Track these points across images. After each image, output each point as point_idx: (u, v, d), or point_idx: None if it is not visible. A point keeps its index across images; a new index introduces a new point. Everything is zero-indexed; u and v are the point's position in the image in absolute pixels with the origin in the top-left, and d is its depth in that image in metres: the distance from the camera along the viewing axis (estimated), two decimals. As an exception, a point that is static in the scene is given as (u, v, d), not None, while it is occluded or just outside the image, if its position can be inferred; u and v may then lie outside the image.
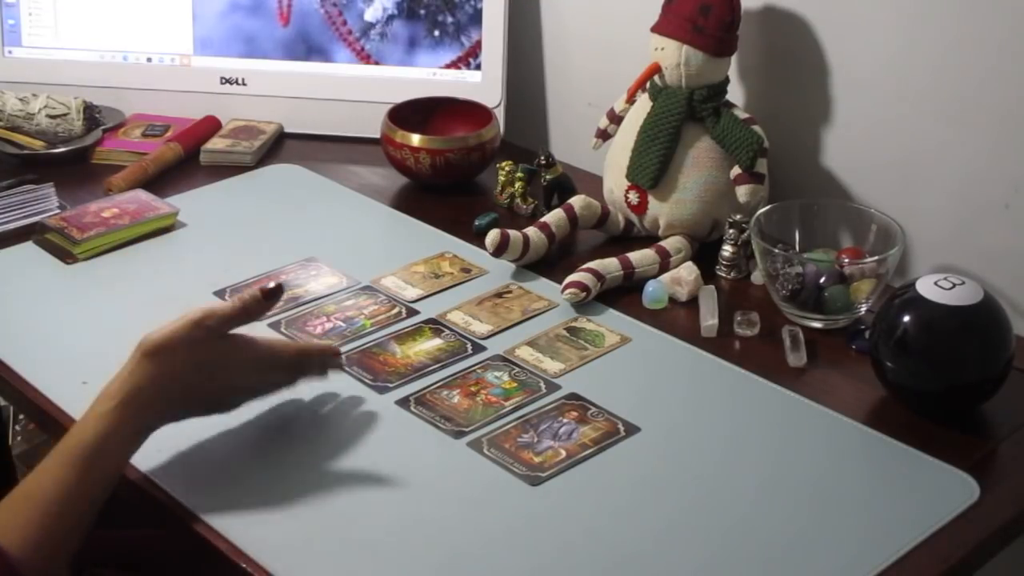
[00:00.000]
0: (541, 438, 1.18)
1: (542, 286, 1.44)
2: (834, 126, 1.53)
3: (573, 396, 1.24)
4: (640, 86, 1.50)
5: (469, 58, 1.80)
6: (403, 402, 1.23)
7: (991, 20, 1.35)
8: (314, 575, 1.03)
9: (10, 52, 1.87)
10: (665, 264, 1.45)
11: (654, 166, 1.46)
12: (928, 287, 1.19)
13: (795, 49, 1.53)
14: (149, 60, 1.86)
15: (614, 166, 1.53)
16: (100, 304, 1.41)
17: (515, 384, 1.26)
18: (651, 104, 1.49)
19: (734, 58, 1.50)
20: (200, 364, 1.11)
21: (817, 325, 1.36)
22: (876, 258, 1.35)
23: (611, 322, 1.37)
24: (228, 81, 1.84)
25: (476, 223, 1.57)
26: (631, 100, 1.55)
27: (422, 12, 1.80)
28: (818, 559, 1.04)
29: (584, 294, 1.38)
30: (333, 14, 1.82)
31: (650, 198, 1.49)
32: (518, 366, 1.29)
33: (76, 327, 1.36)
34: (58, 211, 1.57)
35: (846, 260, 1.37)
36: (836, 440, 1.19)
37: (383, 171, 1.72)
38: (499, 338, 1.34)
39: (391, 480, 1.13)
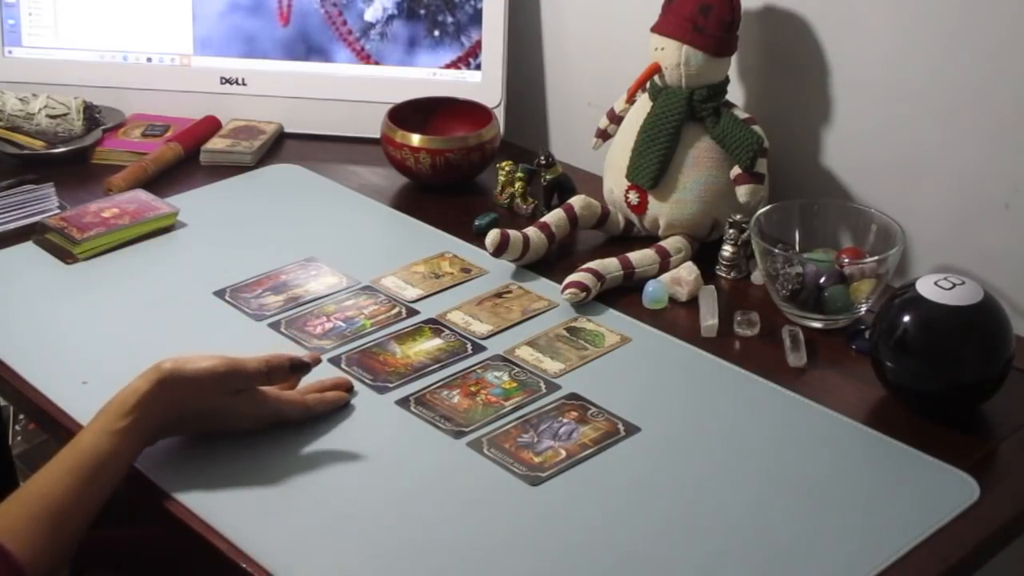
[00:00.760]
0: (541, 438, 1.18)
1: (542, 286, 1.44)
2: (834, 126, 1.53)
3: (573, 396, 1.24)
4: (640, 86, 1.50)
5: (469, 58, 1.80)
6: (403, 402, 1.23)
7: (991, 20, 1.35)
8: (314, 575, 1.03)
9: (10, 52, 1.87)
10: (665, 264, 1.45)
11: (654, 166, 1.46)
12: (928, 287, 1.19)
13: (795, 49, 1.53)
14: (149, 60, 1.86)
15: (614, 166, 1.53)
16: (100, 304, 1.41)
17: (515, 384, 1.26)
18: (651, 104, 1.49)
19: (734, 58, 1.50)
20: (209, 409, 1.14)
21: (817, 325, 1.36)
22: (876, 258, 1.35)
23: (611, 322, 1.37)
24: (228, 81, 1.84)
25: (476, 223, 1.57)
26: (631, 100, 1.55)
27: (422, 12, 1.80)
28: (818, 559, 1.04)
29: (584, 294, 1.38)
30: (333, 14, 1.82)
31: (650, 198, 1.49)
32: (518, 366, 1.29)
33: (76, 327, 1.36)
34: (58, 211, 1.57)
35: (846, 260, 1.37)
36: (836, 440, 1.19)
37: (383, 171, 1.72)
38: (499, 338, 1.34)
39: (391, 480, 1.13)
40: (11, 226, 1.55)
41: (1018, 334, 1.23)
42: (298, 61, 1.83)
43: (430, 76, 1.81)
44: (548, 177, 1.60)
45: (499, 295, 1.42)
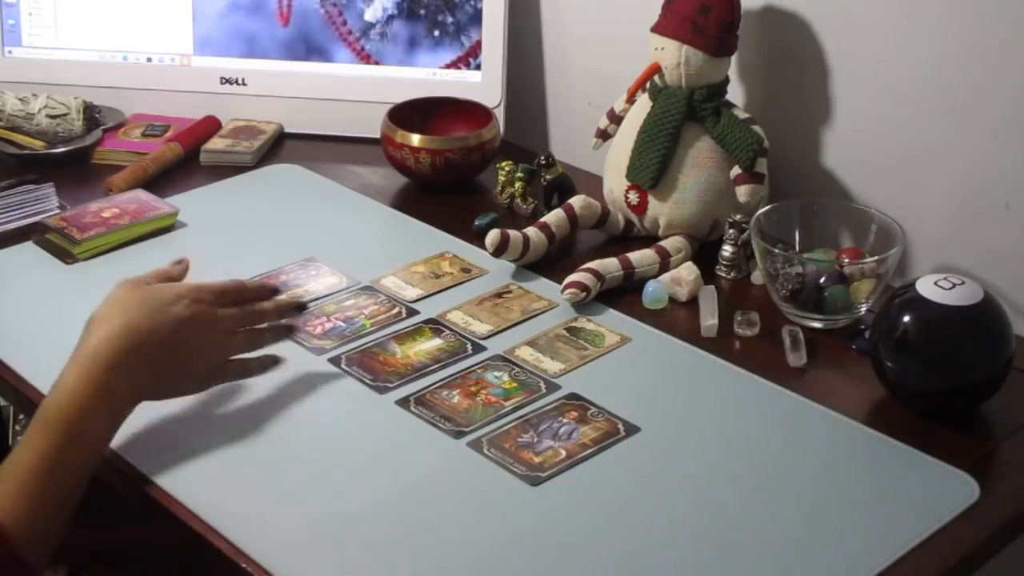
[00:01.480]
0: (541, 438, 1.18)
1: (542, 286, 1.44)
2: (834, 126, 1.53)
3: (573, 396, 1.24)
4: (640, 86, 1.50)
5: (469, 58, 1.80)
6: (403, 402, 1.23)
7: (991, 20, 1.35)
8: (314, 575, 1.03)
9: (10, 52, 1.87)
10: (665, 264, 1.45)
11: (654, 166, 1.46)
12: (928, 287, 1.19)
13: (795, 49, 1.53)
14: (149, 60, 1.86)
15: (614, 166, 1.53)
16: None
17: (515, 384, 1.26)
18: (651, 104, 1.49)
19: (734, 58, 1.50)
20: (148, 306, 1.14)
21: (817, 325, 1.36)
22: (876, 258, 1.35)
23: (611, 322, 1.37)
24: (228, 81, 1.84)
25: (476, 223, 1.57)
26: (631, 100, 1.55)
27: (422, 12, 1.80)
28: (818, 559, 1.04)
29: (584, 294, 1.38)
30: (333, 14, 1.82)
31: (650, 198, 1.49)
32: (518, 366, 1.29)
33: (76, 327, 1.35)
34: (58, 211, 1.57)
35: (846, 260, 1.37)
36: (836, 440, 1.19)
37: (383, 171, 1.72)
38: (499, 338, 1.34)
39: (391, 480, 1.13)
40: (11, 226, 1.55)
41: (1018, 334, 1.23)
42: (298, 61, 1.83)
43: (430, 76, 1.81)
44: (548, 177, 1.60)
45: (499, 295, 1.42)
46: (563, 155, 1.71)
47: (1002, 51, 1.35)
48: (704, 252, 1.49)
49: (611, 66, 1.70)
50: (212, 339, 1.18)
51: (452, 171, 1.65)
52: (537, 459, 1.15)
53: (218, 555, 1.05)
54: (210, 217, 1.60)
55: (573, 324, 1.36)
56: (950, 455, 1.16)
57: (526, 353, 1.31)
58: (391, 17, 1.81)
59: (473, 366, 1.29)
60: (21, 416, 2.17)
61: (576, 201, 1.52)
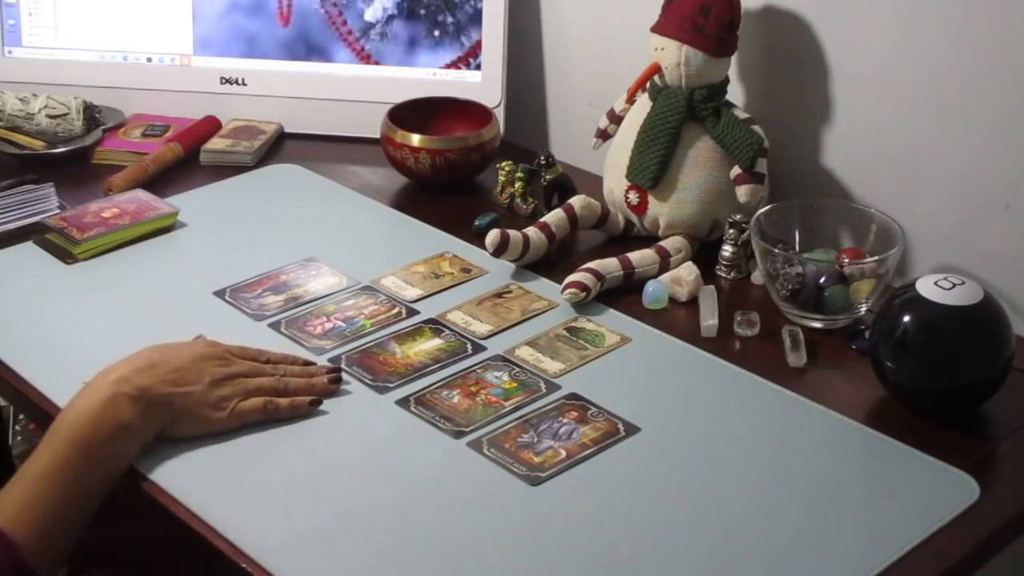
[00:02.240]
0: (541, 438, 1.18)
1: (542, 286, 1.44)
2: (834, 126, 1.53)
3: (573, 396, 1.24)
4: (640, 86, 1.50)
5: (469, 58, 1.80)
6: (403, 402, 1.23)
7: (991, 20, 1.35)
8: (314, 575, 1.03)
9: (10, 52, 1.87)
10: (665, 264, 1.45)
11: (654, 166, 1.46)
12: (928, 287, 1.19)
13: (795, 49, 1.53)
14: (149, 60, 1.86)
15: (614, 166, 1.53)
16: (100, 304, 1.41)
17: (515, 384, 1.26)
18: (651, 104, 1.49)
19: (734, 58, 1.50)
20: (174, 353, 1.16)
21: (817, 325, 1.36)
22: (876, 258, 1.35)
23: (611, 322, 1.37)
24: (228, 81, 1.84)
25: (476, 223, 1.57)
26: (631, 100, 1.55)
27: (422, 12, 1.80)
28: (818, 559, 1.04)
29: (584, 294, 1.38)
30: (333, 14, 1.82)
31: (650, 198, 1.49)
32: (518, 366, 1.29)
33: (76, 327, 1.36)
34: (58, 211, 1.57)
35: (846, 260, 1.37)
36: (836, 440, 1.19)
37: (383, 171, 1.72)
38: (499, 338, 1.34)
39: (391, 480, 1.13)
40: (11, 226, 1.55)
41: (1018, 334, 1.23)
42: (298, 61, 1.83)
43: (430, 76, 1.81)
44: (548, 177, 1.60)
45: (499, 295, 1.42)
46: (563, 155, 1.71)
47: (1002, 51, 1.35)
48: (704, 252, 1.49)
49: (611, 66, 1.70)
50: (224, 371, 1.18)
51: (452, 171, 1.65)
52: (537, 459, 1.15)
53: (218, 555, 1.05)
54: (210, 217, 1.60)
55: (573, 324, 1.36)
56: (950, 455, 1.16)
57: (526, 353, 1.31)
58: (391, 17, 1.81)
59: (473, 366, 1.29)
60: (21, 416, 2.17)
61: (576, 201, 1.52)
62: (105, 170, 1.70)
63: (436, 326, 1.36)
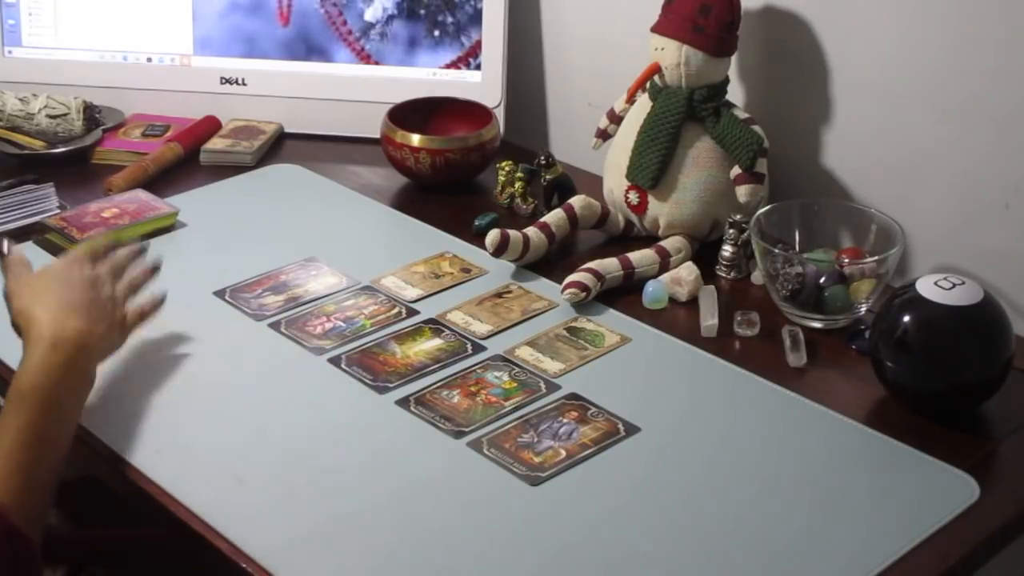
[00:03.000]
0: (541, 438, 1.18)
1: (542, 286, 1.44)
2: (834, 126, 1.53)
3: (573, 396, 1.24)
4: (640, 86, 1.50)
5: (469, 58, 1.80)
6: (403, 402, 1.23)
7: (991, 20, 1.35)
8: (314, 575, 1.03)
9: (10, 52, 1.87)
10: (665, 264, 1.45)
11: (654, 166, 1.46)
12: (928, 287, 1.19)
13: (795, 49, 1.53)
14: (149, 60, 1.86)
15: (614, 166, 1.53)
16: (100, 304, 1.40)
17: (515, 384, 1.26)
18: (651, 104, 1.49)
19: (734, 58, 1.50)
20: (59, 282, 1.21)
21: (817, 325, 1.36)
22: (876, 258, 1.35)
23: (611, 322, 1.37)
24: (228, 81, 1.84)
25: (476, 223, 1.57)
26: (631, 100, 1.55)
27: (422, 12, 1.80)
28: (818, 559, 1.04)
29: (584, 294, 1.38)
30: (333, 14, 1.82)
31: (650, 198, 1.49)
32: (518, 366, 1.29)
33: (76, 327, 1.36)
34: (58, 211, 1.57)
35: (846, 260, 1.37)
36: (836, 440, 1.19)
37: (383, 171, 1.72)
38: (499, 338, 1.34)
39: (391, 480, 1.13)
40: (11, 226, 1.55)
41: (1018, 334, 1.23)
42: (298, 61, 1.83)
43: (430, 76, 1.81)
44: (548, 177, 1.60)
45: (499, 295, 1.42)
46: (563, 155, 1.71)
47: (1002, 51, 1.35)
48: (704, 252, 1.49)
49: (611, 66, 1.70)
50: (112, 288, 1.26)
51: (452, 171, 1.65)
52: (537, 459, 1.15)
53: (218, 555, 1.05)
54: (210, 217, 1.60)
55: (573, 324, 1.36)
56: (950, 455, 1.16)
57: (526, 353, 1.31)
58: (391, 17, 1.81)
59: (473, 366, 1.29)
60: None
61: (576, 201, 1.52)
62: (105, 170, 1.70)
63: (436, 326, 1.36)
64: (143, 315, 1.29)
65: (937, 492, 1.12)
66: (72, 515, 1.36)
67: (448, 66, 1.81)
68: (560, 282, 1.40)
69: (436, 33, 1.80)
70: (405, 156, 1.64)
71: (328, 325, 1.36)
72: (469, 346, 1.32)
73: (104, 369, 1.23)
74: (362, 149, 1.79)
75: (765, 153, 1.45)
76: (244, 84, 1.84)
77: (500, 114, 1.75)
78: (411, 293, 1.42)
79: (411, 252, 1.51)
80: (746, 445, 1.18)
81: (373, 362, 1.29)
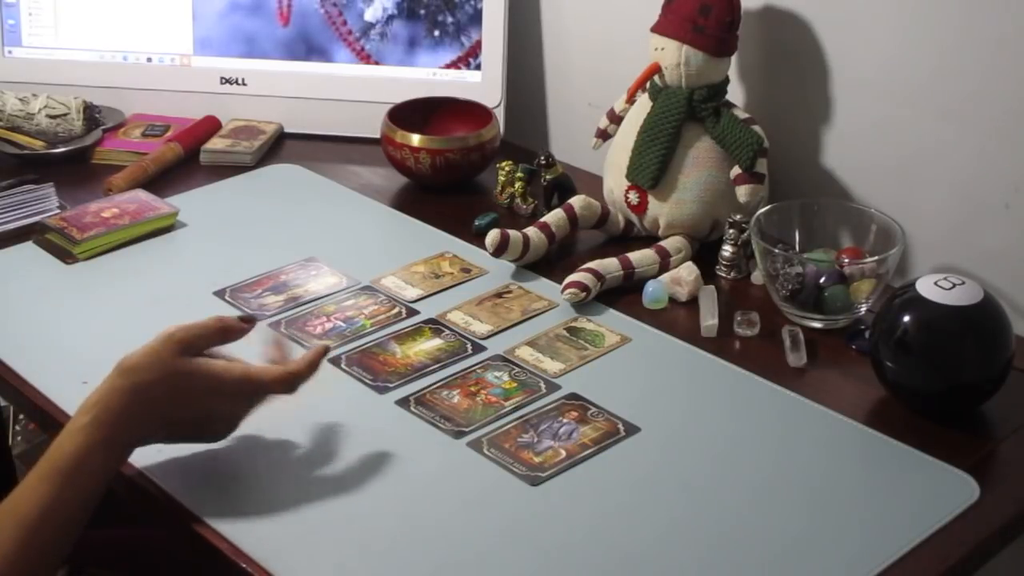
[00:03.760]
0: (541, 438, 1.18)
1: (542, 286, 1.44)
2: (834, 126, 1.53)
3: (573, 396, 1.24)
4: (640, 86, 1.50)
5: (469, 58, 1.80)
6: (403, 402, 1.23)
7: (991, 20, 1.35)
8: (314, 575, 1.03)
9: (10, 52, 1.87)
10: (665, 264, 1.45)
11: (654, 166, 1.46)
12: (928, 287, 1.19)
13: (795, 49, 1.53)
14: (149, 60, 1.86)
15: (614, 166, 1.53)
16: (100, 304, 1.41)
17: (515, 384, 1.26)
18: (651, 104, 1.49)
19: (734, 58, 1.50)
20: (172, 381, 1.08)
21: (817, 325, 1.36)
22: (876, 258, 1.35)
23: (611, 322, 1.37)
24: (228, 81, 1.84)
25: (476, 223, 1.57)
26: (631, 100, 1.55)
27: (422, 12, 1.80)
28: (818, 559, 1.04)
29: (584, 294, 1.38)
30: (333, 14, 1.82)
31: (650, 198, 1.49)
32: (518, 366, 1.29)
33: (76, 327, 1.36)
34: (58, 211, 1.57)
35: (846, 260, 1.37)
36: (836, 440, 1.19)
37: (383, 171, 1.72)
38: (499, 338, 1.34)
39: (391, 480, 1.13)
40: (11, 226, 1.55)
41: (1018, 334, 1.23)
42: (298, 61, 1.84)
43: (430, 76, 1.81)
44: (548, 177, 1.60)
45: (499, 295, 1.42)
46: (563, 155, 1.71)
47: (1002, 51, 1.35)
48: (704, 252, 1.49)
49: (611, 66, 1.70)
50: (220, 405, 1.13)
51: (452, 171, 1.65)
52: (537, 459, 1.15)
53: (218, 555, 1.05)
54: (210, 217, 1.60)
55: (573, 324, 1.36)
56: (950, 455, 1.16)
57: (526, 353, 1.31)
58: (391, 17, 1.81)
59: (473, 366, 1.29)
60: (21, 416, 2.17)
61: (576, 201, 1.52)
62: (105, 170, 1.70)
63: (436, 326, 1.36)
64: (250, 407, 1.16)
65: (937, 492, 1.12)
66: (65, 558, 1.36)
67: (448, 66, 1.81)
68: (560, 282, 1.40)
69: (436, 33, 1.80)
70: (405, 156, 1.64)
71: (328, 325, 1.36)
72: (469, 346, 1.32)
73: (105, 370, 1.23)
74: (362, 149, 1.79)
75: (765, 153, 1.46)
76: (244, 84, 1.84)
77: (500, 114, 1.75)
78: (411, 293, 1.42)
79: (411, 252, 1.51)
80: (746, 445, 1.18)
81: (373, 362, 1.29)
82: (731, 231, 1.46)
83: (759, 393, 1.26)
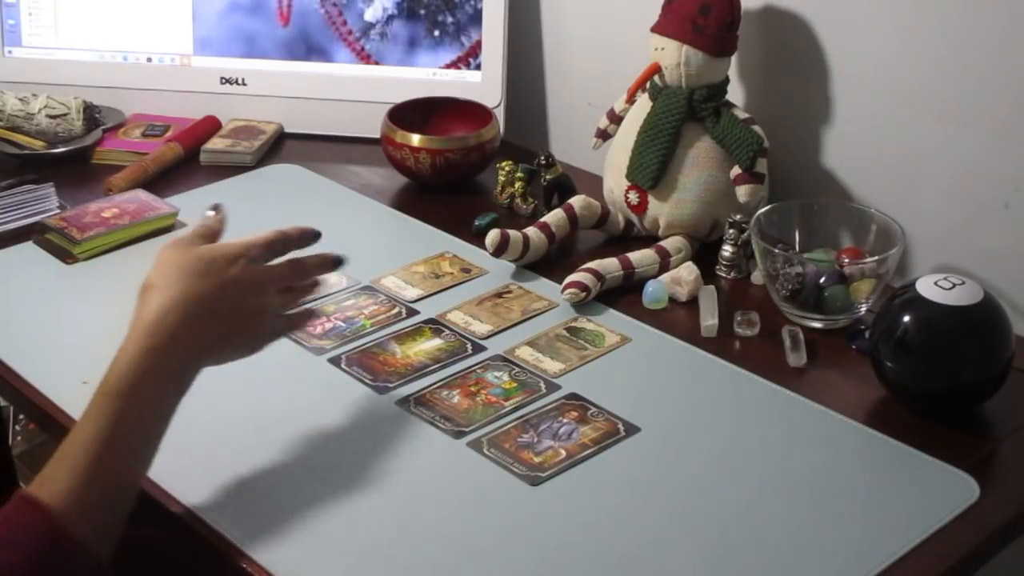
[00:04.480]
0: (541, 438, 1.18)
1: (542, 286, 1.44)
2: (834, 126, 1.53)
3: (573, 396, 1.24)
4: (640, 86, 1.50)
5: (469, 58, 1.80)
6: (403, 402, 1.23)
7: (991, 20, 1.35)
8: (314, 574, 1.03)
9: (10, 52, 1.87)
10: (665, 264, 1.45)
11: (654, 166, 1.46)
12: (928, 287, 1.19)
13: (795, 49, 1.53)
14: (149, 60, 1.86)
15: (614, 166, 1.53)
16: (100, 304, 1.40)
17: (515, 384, 1.26)
18: (651, 104, 1.49)
19: (734, 58, 1.50)
20: (194, 267, 1.09)
21: (817, 325, 1.36)
22: (876, 258, 1.35)
23: (611, 322, 1.37)
24: (228, 81, 1.84)
25: (476, 223, 1.57)
26: (631, 100, 1.55)
27: (422, 12, 1.80)
28: (818, 559, 1.04)
29: (584, 294, 1.38)
30: (333, 14, 1.82)
31: (650, 198, 1.49)
32: (518, 366, 1.29)
33: (76, 327, 1.36)
34: (58, 211, 1.57)
35: (846, 260, 1.37)
36: (836, 440, 1.19)
37: (383, 171, 1.72)
38: (499, 338, 1.34)
39: (391, 480, 1.13)
40: (11, 226, 1.55)
41: (1018, 334, 1.23)
42: (298, 61, 1.84)
43: (430, 76, 1.81)
44: (548, 177, 1.60)
45: (499, 295, 1.42)
46: (563, 155, 1.71)
47: (1002, 51, 1.35)
48: (704, 252, 1.49)
49: (611, 66, 1.70)
50: (268, 300, 1.13)
51: (452, 171, 1.65)
52: (537, 459, 1.15)
53: (218, 555, 1.05)
54: (210, 217, 1.59)
55: (573, 324, 1.36)
56: (950, 455, 1.16)
57: (526, 353, 1.31)
58: (391, 17, 1.82)
59: (473, 366, 1.29)
60: (21, 416, 2.17)
61: (576, 201, 1.52)
62: (105, 170, 1.70)
63: (436, 326, 1.36)
64: (290, 328, 1.19)
65: (937, 492, 1.12)
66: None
67: (448, 66, 1.81)
68: (560, 282, 1.40)
69: (436, 33, 1.80)
70: (405, 156, 1.64)
71: (328, 325, 1.36)
72: (469, 346, 1.32)
73: (105, 370, 1.23)
74: (362, 149, 1.79)
75: (765, 153, 1.46)
76: (244, 84, 1.84)
77: (500, 114, 1.75)
78: (411, 293, 1.42)
79: (411, 252, 1.51)
80: (746, 445, 1.18)
81: (373, 362, 1.29)
82: (731, 231, 1.46)
83: (759, 393, 1.26)
